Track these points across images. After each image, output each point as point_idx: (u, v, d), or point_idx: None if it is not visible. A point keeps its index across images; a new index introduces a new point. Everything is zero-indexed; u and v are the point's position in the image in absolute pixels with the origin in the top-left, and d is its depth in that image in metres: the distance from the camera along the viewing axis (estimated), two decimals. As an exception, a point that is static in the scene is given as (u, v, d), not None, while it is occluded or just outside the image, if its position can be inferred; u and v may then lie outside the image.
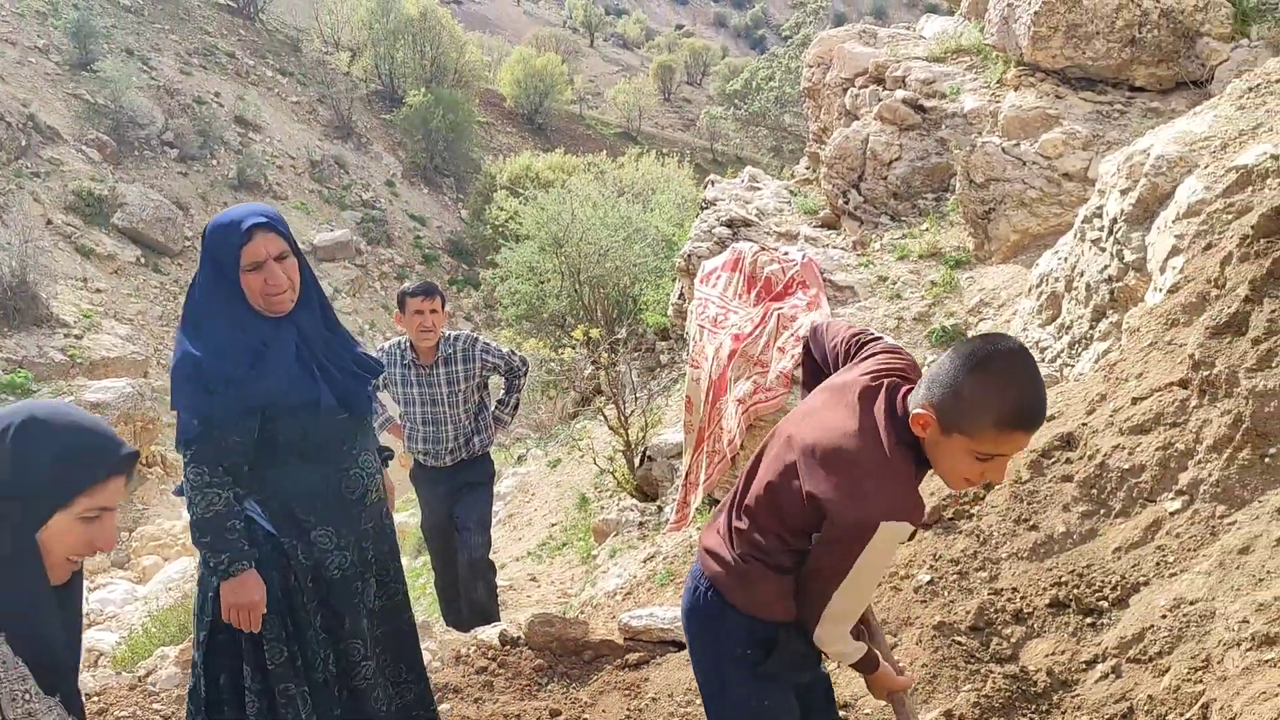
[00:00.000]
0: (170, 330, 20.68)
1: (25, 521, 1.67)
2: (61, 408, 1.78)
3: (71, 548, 1.73)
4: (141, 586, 9.60)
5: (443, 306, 4.86)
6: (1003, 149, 6.59)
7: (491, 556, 5.19)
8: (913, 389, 2.08)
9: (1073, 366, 4.77)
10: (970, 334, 6.15)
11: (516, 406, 5.31)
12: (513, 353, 5.17)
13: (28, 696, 1.65)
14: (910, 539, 2.09)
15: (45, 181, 22.90)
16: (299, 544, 2.89)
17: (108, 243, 22.51)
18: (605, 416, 8.90)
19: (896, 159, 7.78)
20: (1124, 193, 4.63)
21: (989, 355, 1.95)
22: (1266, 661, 2.68)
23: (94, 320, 19.73)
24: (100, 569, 11.38)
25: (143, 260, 22.65)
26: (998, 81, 7.53)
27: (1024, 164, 6.50)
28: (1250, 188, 4.03)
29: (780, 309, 6.79)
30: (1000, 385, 1.92)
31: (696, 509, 6.79)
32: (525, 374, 5.21)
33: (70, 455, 1.71)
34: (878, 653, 2.31)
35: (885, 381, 2.12)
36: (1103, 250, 4.74)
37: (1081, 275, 4.90)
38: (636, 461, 8.59)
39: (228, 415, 2.76)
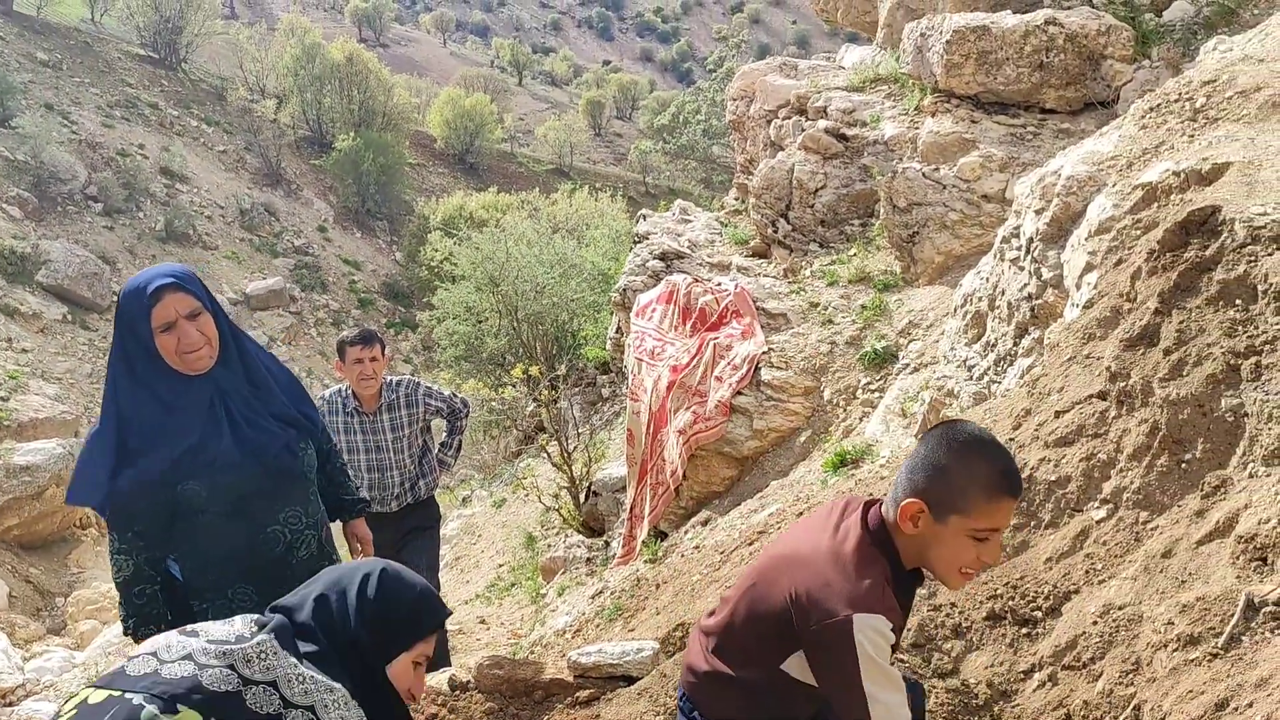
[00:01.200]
0: (101, 388, 20.22)
1: (383, 655, 1.97)
2: (404, 568, 2.08)
3: (401, 688, 1.99)
4: (80, 653, 9.34)
5: (383, 353, 4.86)
6: (923, 174, 6.77)
7: (439, 601, 5.17)
8: (881, 503, 2.12)
9: (999, 383, 4.90)
10: (902, 355, 6.28)
11: (459, 448, 5.32)
12: (454, 395, 5.19)
13: None
14: (895, 646, 2.05)
15: (-35, 242, 22.38)
16: (210, 606, 2.88)
17: (32, 301, 22.02)
18: (549, 454, 8.89)
19: (822, 187, 7.94)
20: (1038, 212, 4.79)
21: (962, 434, 2.02)
22: (1191, 660, 2.78)
23: (20, 381, 19.26)
24: (35, 637, 11.05)
25: (69, 317, 22.19)
26: (915, 109, 7.74)
27: (944, 187, 6.68)
28: (1155, 204, 4.20)
29: (716, 339, 6.89)
30: (983, 456, 1.98)
31: (643, 541, 6.82)
32: (467, 415, 5.23)
33: (422, 604, 2.03)
34: None
35: (857, 498, 2.19)
36: (1022, 269, 4.90)
37: (1003, 294, 5.05)
38: (582, 497, 8.60)
39: (135, 487, 2.77)
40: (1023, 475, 3.79)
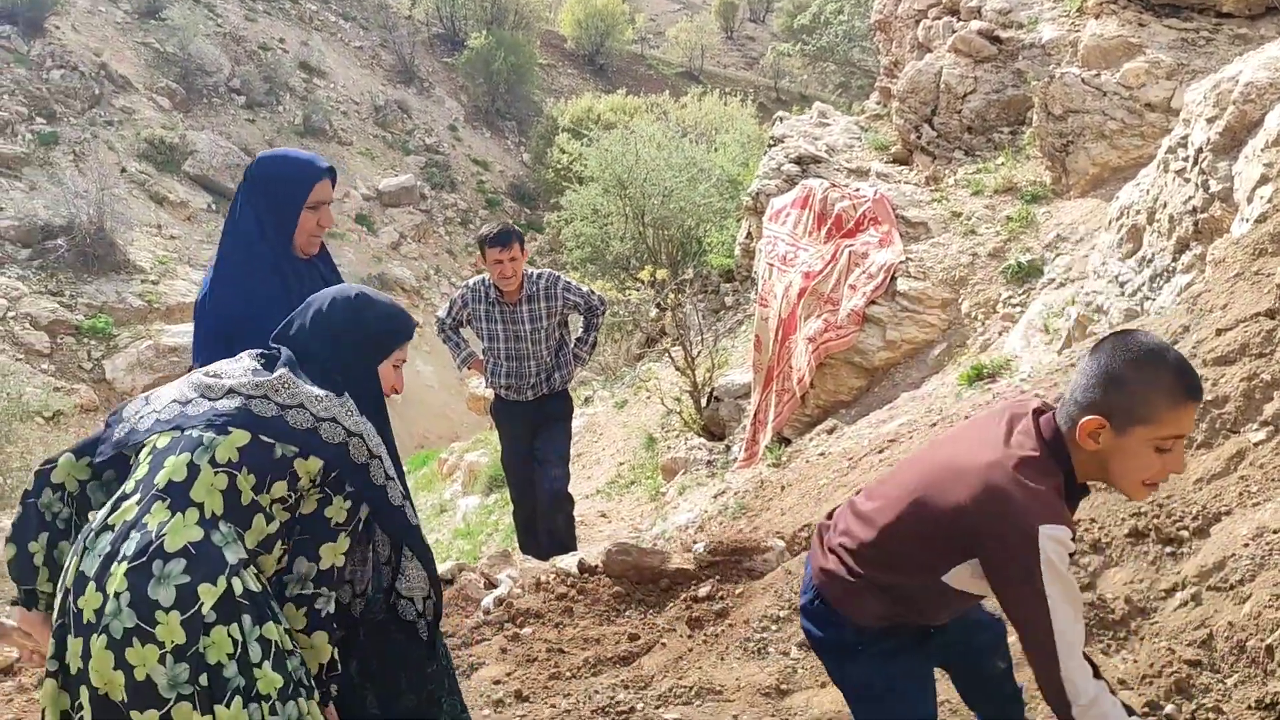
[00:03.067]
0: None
1: (372, 362, 2.38)
2: (371, 291, 2.45)
3: (385, 386, 2.41)
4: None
5: (521, 250, 4.90)
6: (1082, 80, 6.43)
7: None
8: (1054, 411, 2.03)
9: (1153, 300, 4.71)
10: (1047, 269, 6.06)
11: (594, 345, 5.38)
12: (592, 292, 5.23)
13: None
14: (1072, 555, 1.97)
15: (119, 130, 23.34)
16: None
17: (180, 190, 22.94)
18: (672, 357, 8.95)
19: (971, 92, 7.63)
20: (1210, 121, 4.52)
21: (1135, 343, 1.93)
22: (1352, 588, 2.68)
23: (169, 266, 20.20)
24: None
25: (214, 207, 23.06)
26: (1077, 10, 7.33)
27: (1104, 95, 6.34)
28: (1345, 113, 3.92)
29: (851, 246, 6.76)
30: (1162, 362, 1.90)
31: (766, 446, 6.85)
32: (604, 313, 5.27)
33: (393, 317, 2.41)
34: None
35: (1023, 405, 2.09)
36: (1187, 181, 4.65)
37: (1164, 207, 4.81)
38: (703, 402, 8.66)
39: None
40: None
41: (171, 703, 1.97)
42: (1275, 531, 3.03)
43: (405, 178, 27.53)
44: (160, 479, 2.12)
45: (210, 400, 2.20)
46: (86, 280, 18.67)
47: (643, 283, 10.42)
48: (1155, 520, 3.37)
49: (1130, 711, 1.99)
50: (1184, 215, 4.60)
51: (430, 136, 30.21)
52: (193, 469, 2.11)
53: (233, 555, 2.07)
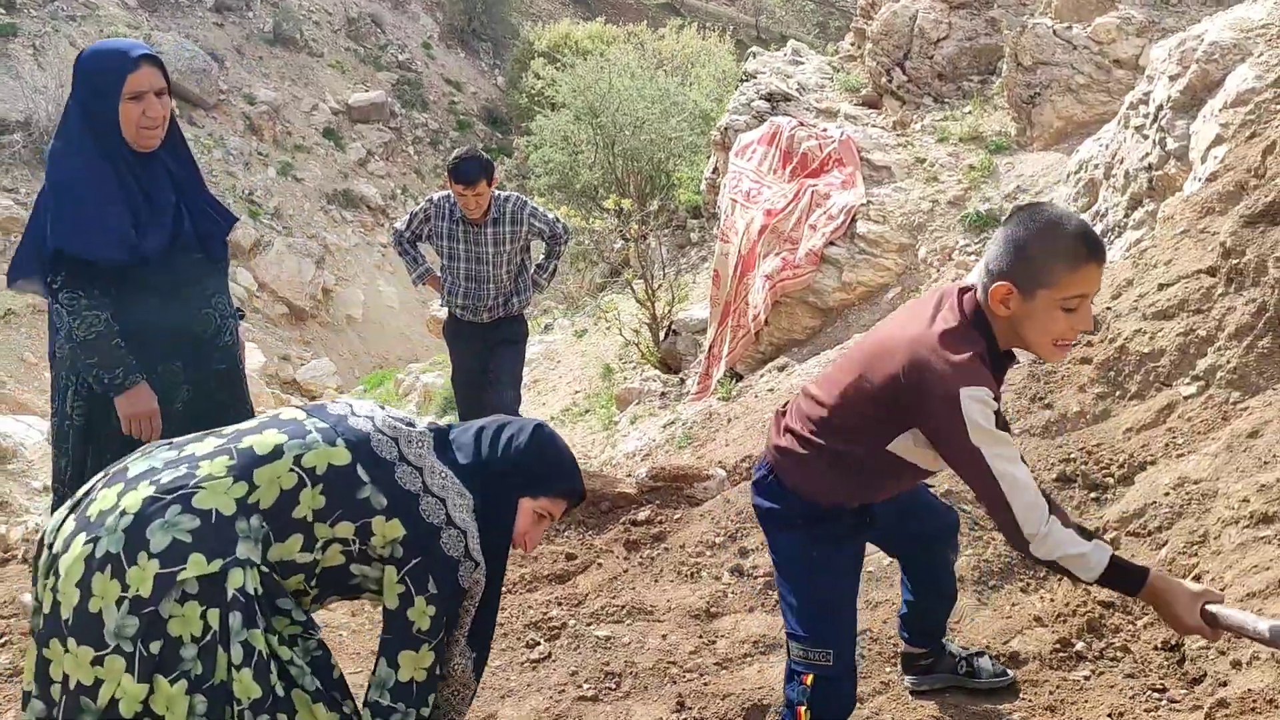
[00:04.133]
0: (210, 179, 20.65)
1: (517, 488, 2.18)
2: (559, 436, 2.30)
3: (520, 527, 2.20)
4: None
5: (489, 184, 4.81)
6: (1054, 31, 6.42)
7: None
8: (975, 289, 2.17)
9: (1103, 254, 4.77)
10: (1004, 220, 6.11)
11: (554, 273, 5.34)
12: (558, 219, 5.18)
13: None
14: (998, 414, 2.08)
15: (81, 26, 22.65)
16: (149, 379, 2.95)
17: (143, 92, 22.36)
18: (633, 289, 8.95)
19: (944, 38, 7.60)
20: (1173, 79, 4.54)
21: (1035, 212, 2.08)
22: (1262, 538, 2.77)
23: (129, 169, 19.74)
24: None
25: (177, 111, 22.44)
26: (1056, -40, 7.28)
27: (1074, 48, 6.34)
28: (1303, 78, 3.96)
29: (815, 185, 6.76)
30: (1059, 227, 2.04)
31: (718, 380, 6.90)
32: (567, 241, 5.22)
33: (566, 465, 2.23)
34: (1145, 565, 2.13)
35: (951, 288, 2.23)
36: (1145, 138, 4.68)
37: (1122, 163, 4.85)
38: (661, 335, 8.69)
39: (104, 240, 2.80)
40: (1115, 346, 3.75)
41: (108, 650, 1.83)
42: (1196, 482, 3.12)
43: (376, 94, 26.96)
44: (247, 442, 2.02)
45: (355, 415, 2.12)
46: (42, 178, 18.26)
47: (608, 212, 10.37)
48: (1084, 466, 3.46)
49: (1088, 535, 2.09)
50: (1140, 172, 4.64)
51: (403, 53, 29.59)
52: (275, 452, 2.00)
53: (244, 550, 1.93)
